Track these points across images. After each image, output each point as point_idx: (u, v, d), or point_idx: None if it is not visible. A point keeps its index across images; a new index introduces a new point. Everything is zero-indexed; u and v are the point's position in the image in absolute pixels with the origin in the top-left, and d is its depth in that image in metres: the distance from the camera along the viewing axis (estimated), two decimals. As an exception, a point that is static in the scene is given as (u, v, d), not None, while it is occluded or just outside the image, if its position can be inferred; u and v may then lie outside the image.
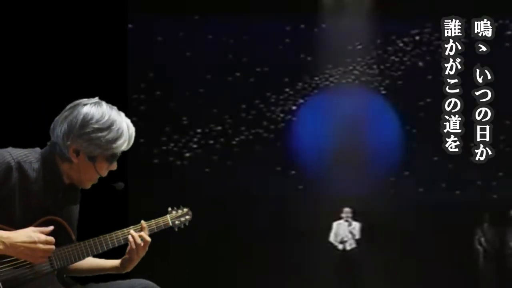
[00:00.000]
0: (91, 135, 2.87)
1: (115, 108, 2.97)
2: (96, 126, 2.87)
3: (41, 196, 2.88)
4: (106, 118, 2.90)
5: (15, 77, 6.96)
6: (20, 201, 2.82)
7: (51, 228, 2.84)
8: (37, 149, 2.94)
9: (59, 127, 2.91)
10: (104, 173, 3.00)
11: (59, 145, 2.90)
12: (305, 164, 11.31)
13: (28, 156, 2.87)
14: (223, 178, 10.85)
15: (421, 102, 10.82)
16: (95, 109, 2.91)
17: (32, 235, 2.77)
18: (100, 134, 2.88)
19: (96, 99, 2.96)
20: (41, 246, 2.78)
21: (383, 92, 11.25)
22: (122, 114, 2.98)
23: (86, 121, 2.88)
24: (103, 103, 2.96)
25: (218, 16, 10.60)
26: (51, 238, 2.82)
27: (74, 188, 3.01)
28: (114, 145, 2.92)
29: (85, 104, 2.92)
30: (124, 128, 2.94)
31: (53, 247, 2.83)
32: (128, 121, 2.99)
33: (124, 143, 2.94)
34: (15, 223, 2.81)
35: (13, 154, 2.84)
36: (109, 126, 2.89)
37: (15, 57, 7.07)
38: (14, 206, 2.82)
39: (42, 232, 2.81)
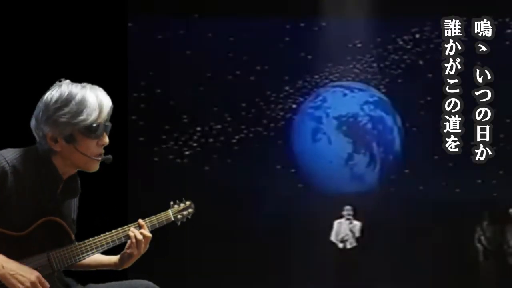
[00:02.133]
0: (53, 117, 2.79)
1: (79, 84, 2.87)
2: (55, 106, 2.79)
3: (39, 196, 2.83)
4: (65, 95, 2.80)
5: (15, 76, 6.96)
6: (18, 204, 2.78)
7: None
8: (33, 148, 2.89)
9: (31, 124, 2.88)
10: (94, 151, 2.87)
11: (40, 141, 2.86)
12: (305, 162, 11.31)
13: (22, 158, 2.81)
14: (223, 176, 10.85)
15: (421, 100, 10.82)
16: (54, 92, 2.84)
17: (35, 272, 2.75)
18: (61, 112, 2.79)
19: (57, 82, 2.90)
20: (33, 283, 2.75)
21: (383, 90, 11.25)
22: (89, 86, 2.87)
23: (46, 106, 2.81)
24: (64, 83, 2.87)
25: (218, 15, 10.59)
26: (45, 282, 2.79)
27: (72, 181, 2.95)
28: (81, 117, 2.79)
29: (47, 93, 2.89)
30: (88, 97, 2.81)
31: None
32: (97, 89, 2.87)
33: (93, 112, 2.81)
34: (15, 226, 2.79)
35: (7, 157, 2.77)
36: (67, 101, 2.79)
37: (14, 54, 7.07)
38: (12, 210, 2.78)
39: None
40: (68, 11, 7.38)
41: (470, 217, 10.54)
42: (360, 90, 11.31)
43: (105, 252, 3.10)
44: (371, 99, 11.31)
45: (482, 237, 10.60)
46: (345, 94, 11.34)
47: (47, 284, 2.79)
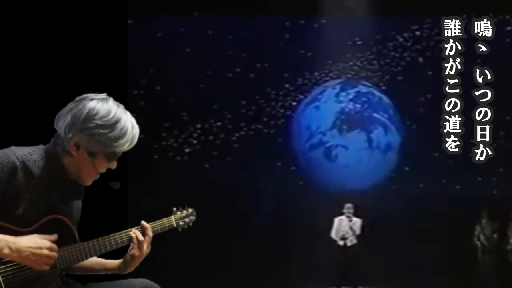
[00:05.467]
0: (93, 131, 2.80)
1: (122, 106, 2.88)
2: (99, 122, 2.81)
3: (45, 194, 2.86)
4: (111, 115, 2.82)
5: (16, 74, 6.96)
6: (25, 200, 2.81)
7: (55, 236, 2.84)
8: (41, 146, 2.91)
9: (62, 118, 2.87)
10: (102, 170, 2.92)
11: (61, 137, 2.89)
12: (298, 138, 11.33)
13: (32, 155, 2.84)
14: (223, 173, 10.86)
15: (421, 98, 10.83)
16: (101, 105, 2.84)
17: (38, 240, 2.77)
18: (102, 131, 2.81)
19: (104, 95, 2.91)
20: (46, 252, 2.78)
21: (383, 87, 11.26)
22: (128, 114, 2.88)
23: (90, 116, 2.82)
24: (111, 99, 2.87)
25: (218, 12, 10.59)
26: (55, 246, 2.82)
27: (77, 184, 3.00)
28: (116, 144, 2.84)
29: (92, 99, 2.87)
30: (129, 128, 2.84)
31: (56, 254, 2.82)
32: (134, 121, 2.88)
33: (126, 143, 2.85)
34: (20, 221, 2.81)
35: (18, 153, 2.81)
36: (113, 124, 2.82)
37: (14, 52, 7.07)
38: (19, 206, 2.81)
39: (48, 239, 2.81)
40: (68, 9, 7.37)
41: (469, 214, 10.55)
42: (322, 92, 11.39)
43: (106, 257, 3.12)
44: (337, 89, 11.41)
45: (481, 235, 10.61)
46: (317, 107, 11.40)
47: (56, 246, 2.82)
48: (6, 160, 2.80)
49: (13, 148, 2.86)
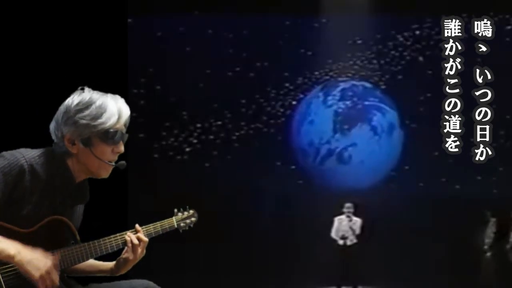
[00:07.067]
0: (74, 118, 2.89)
1: (98, 92, 2.98)
2: (76, 108, 2.90)
3: (51, 197, 2.90)
4: (87, 99, 2.92)
5: (16, 74, 6.97)
6: (30, 203, 2.84)
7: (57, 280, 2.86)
8: (49, 149, 2.96)
9: (51, 125, 2.99)
10: (108, 157, 2.96)
11: (57, 143, 2.93)
12: (305, 159, 11.32)
13: (40, 158, 2.89)
14: (223, 173, 10.85)
15: (421, 97, 10.83)
16: (76, 96, 2.95)
17: (48, 263, 2.80)
18: (82, 114, 2.89)
19: (78, 89, 2.99)
20: (48, 272, 2.79)
21: (383, 86, 11.25)
22: (109, 95, 2.98)
23: (68, 108, 2.92)
24: (86, 89, 2.98)
25: (217, 11, 10.59)
26: (56, 278, 2.83)
27: (83, 187, 3.02)
28: (101, 121, 2.90)
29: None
30: (108, 103, 2.93)
31: (54, 284, 2.84)
32: (117, 97, 2.99)
33: (112, 116, 2.92)
34: (22, 223, 2.84)
35: (26, 156, 2.86)
36: (88, 104, 2.91)
37: (14, 52, 7.07)
38: (23, 208, 2.84)
39: (53, 263, 2.83)
40: (68, 9, 7.37)
41: (470, 213, 10.54)
42: (309, 105, 11.36)
43: (100, 258, 3.13)
44: (321, 97, 11.37)
45: (483, 234, 10.61)
46: (311, 121, 11.39)
47: (56, 280, 2.83)
48: (15, 162, 2.84)
49: (22, 150, 2.91)
